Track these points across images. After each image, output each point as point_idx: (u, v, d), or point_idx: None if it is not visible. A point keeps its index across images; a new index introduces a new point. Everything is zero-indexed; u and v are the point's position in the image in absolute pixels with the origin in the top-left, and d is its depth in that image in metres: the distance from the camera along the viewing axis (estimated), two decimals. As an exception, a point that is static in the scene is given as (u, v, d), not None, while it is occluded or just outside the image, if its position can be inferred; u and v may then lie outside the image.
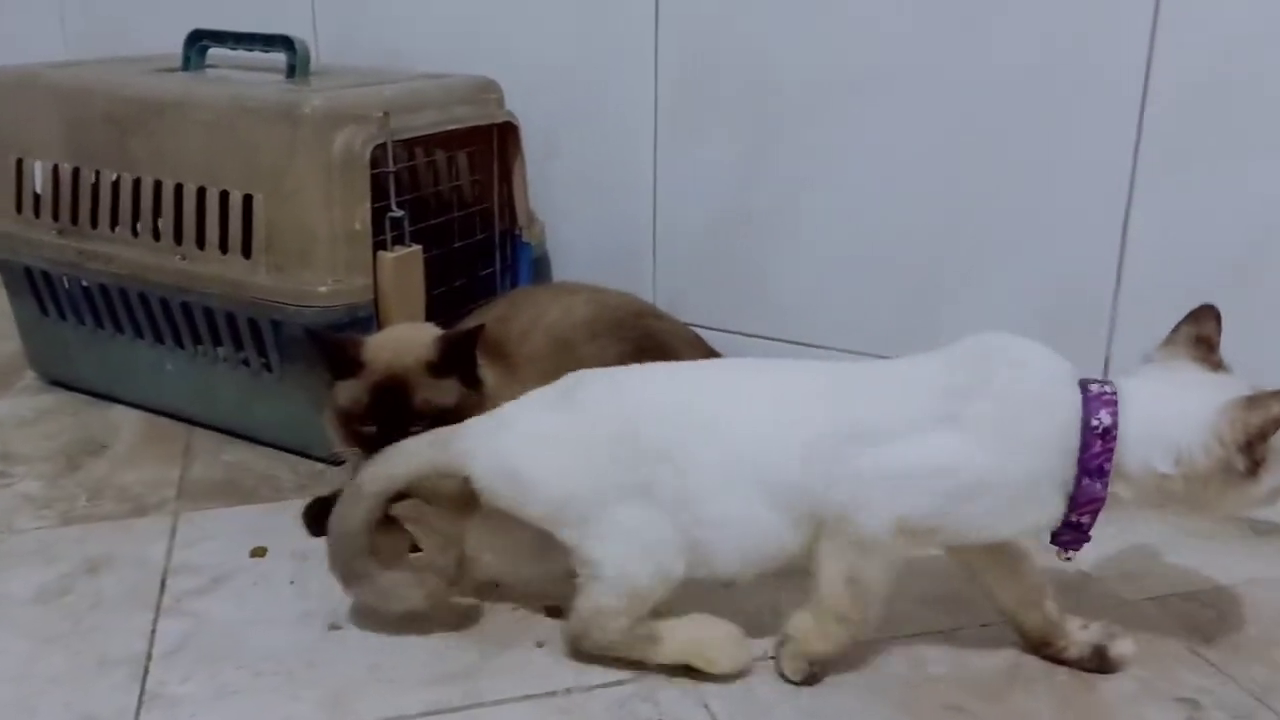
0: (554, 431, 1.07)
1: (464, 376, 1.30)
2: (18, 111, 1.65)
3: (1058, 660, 1.08)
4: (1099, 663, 1.07)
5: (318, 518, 1.35)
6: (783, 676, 1.05)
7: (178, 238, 1.50)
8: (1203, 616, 1.17)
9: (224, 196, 1.46)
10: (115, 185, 1.55)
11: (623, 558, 1.03)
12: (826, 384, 1.06)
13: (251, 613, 1.17)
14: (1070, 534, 1.01)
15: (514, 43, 1.76)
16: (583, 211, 1.78)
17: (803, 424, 1.02)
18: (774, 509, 1.02)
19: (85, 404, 1.73)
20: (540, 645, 1.12)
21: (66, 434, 1.63)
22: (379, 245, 1.45)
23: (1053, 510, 0.99)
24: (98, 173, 1.57)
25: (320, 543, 1.30)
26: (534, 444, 1.07)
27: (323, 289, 1.41)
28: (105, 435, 1.63)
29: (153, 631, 1.14)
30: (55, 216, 1.62)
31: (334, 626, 1.15)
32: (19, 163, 1.65)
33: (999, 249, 1.47)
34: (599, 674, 1.07)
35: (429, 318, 1.53)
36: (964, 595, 1.15)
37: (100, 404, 1.72)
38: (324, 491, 1.40)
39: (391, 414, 1.25)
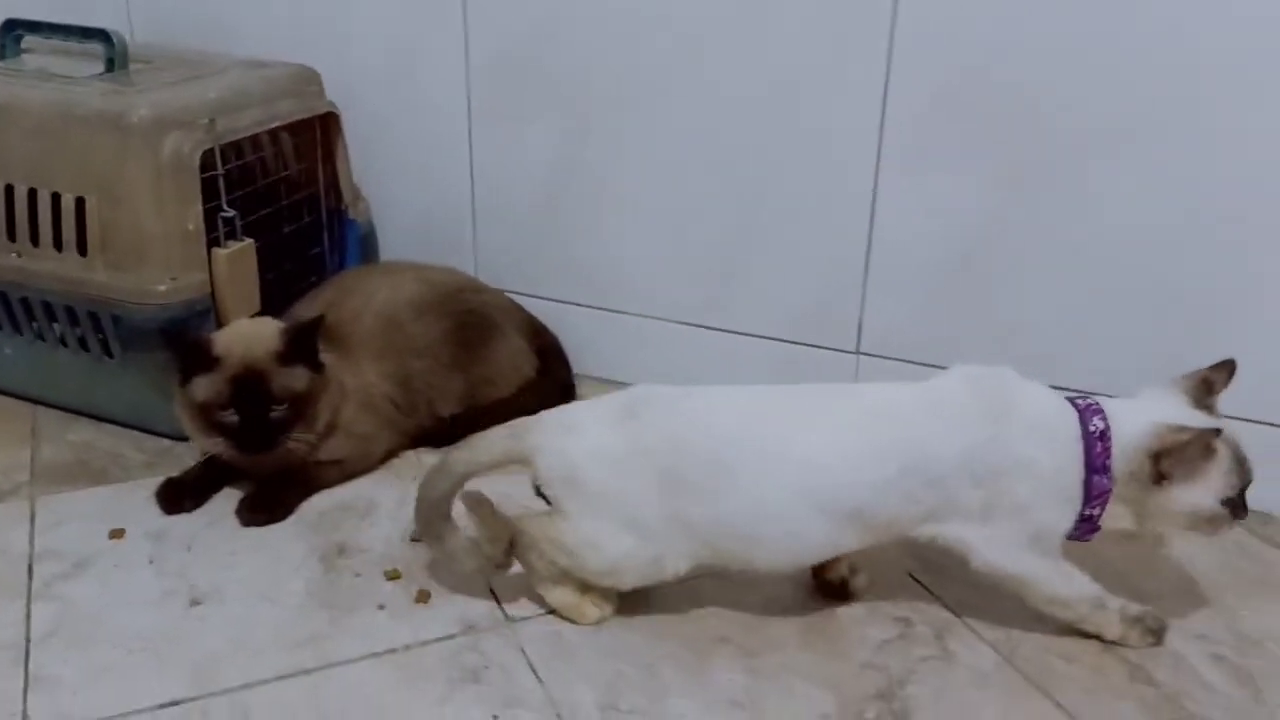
0: (613, 450, 1.20)
1: (308, 362, 1.46)
2: None
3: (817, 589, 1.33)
4: (842, 593, 1.33)
5: (170, 498, 1.49)
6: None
7: (11, 235, 1.58)
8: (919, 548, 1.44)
9: (56, 198, 1.54)
10: (-58, 181, 1.60)
11: (611, 566, 1.22)
12: (876, 410, 1.23)
13: (116, 594, 1.32)
14: (1084, 526, 1.20)
15: (335, 27, 1.85)
16: (407, 190, 1.91)
17: (866, 456, 1.18)
18: (829, 524, 1.18)
19: (-78, 386, 1.79)
20: (382, 608, 1.31)
21: (-96, 420, 1.70)
22: (212, 242, 1.56)
23: (1075, 505, 1.19)
24: (-78, 168, 1.61)
25: (174, 521, 1.46)
26: (594, 458, 1.20)
27: (161, 287, 1.52)
28: (-54, 419, 1.70)
29: (27, 617, 1.27)
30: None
31: (194, 603, 1.31)
32: None
33: (775, 232, 1.68)
34: (433, 629, 1.27)
35: (264, 302, 1.66)
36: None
37: (-62, 385, 1.78)
38: (174, 472, 1.54)
39: (252, 401, 1.41)
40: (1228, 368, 1.26)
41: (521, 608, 1.31)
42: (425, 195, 1.90)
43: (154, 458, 1.61)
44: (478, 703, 1.16)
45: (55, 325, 1.62)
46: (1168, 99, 1.41)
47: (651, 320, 1.81)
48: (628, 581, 1.25)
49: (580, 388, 1.82)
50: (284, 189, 1.73)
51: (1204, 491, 1.19)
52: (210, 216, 1.55)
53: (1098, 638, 1.27)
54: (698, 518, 1.19)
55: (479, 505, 1.26)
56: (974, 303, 1.60)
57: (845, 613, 1.32)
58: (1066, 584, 1.24)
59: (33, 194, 1.55)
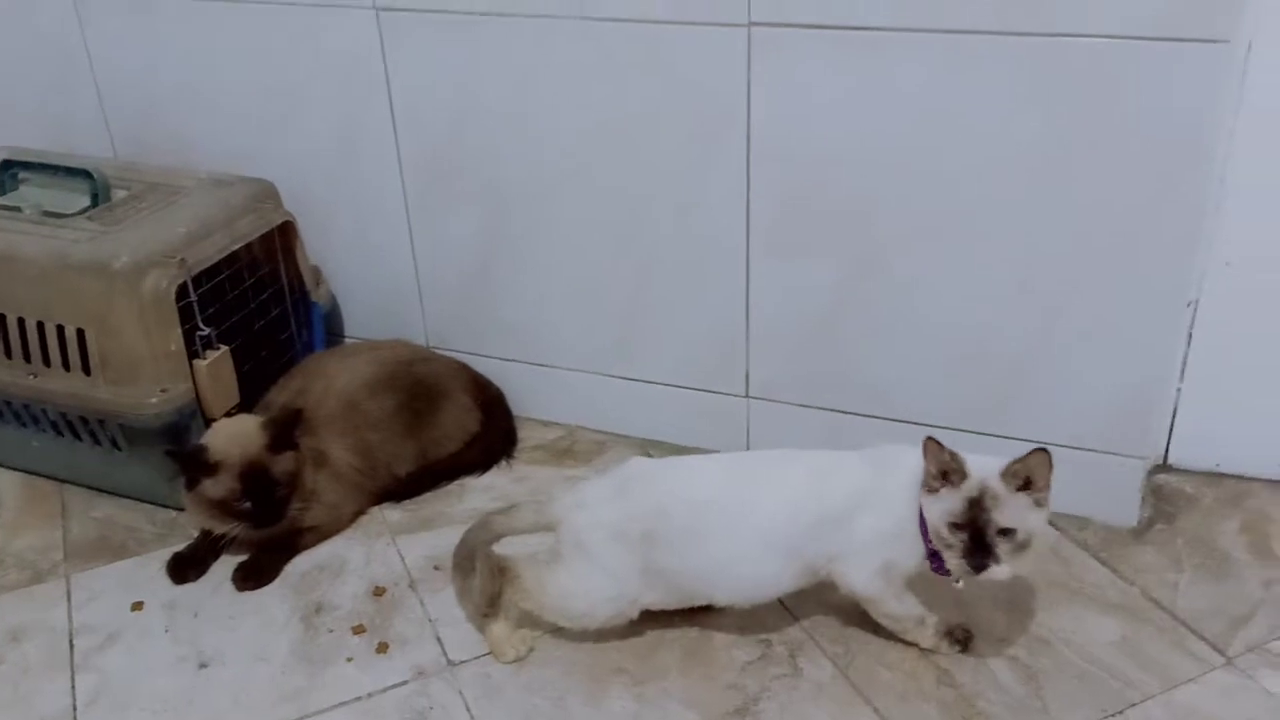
0: (610, 521, 1.52)
1: (289, 446, 1.79)
2: None
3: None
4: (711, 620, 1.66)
5: (178, 570, 1.83)
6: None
7: (26, 358, 1.89)
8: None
9: (60, 329, 1.85)
10: (-38, 314, 1.91)
11: (593, 612, 1.55)
12: (806, 473, 1.53)
13: (141, 662, 1.66)
14: (937, 561, 1.48)
15: (284, 138, 2.12)
16: (362, 272, 2.21)
17: (794, 508, 1.50)
18: (778, 563, 1.51)
19: (-35, 470, 2.12)
20: (350, 660, 1.64)
21: (-43, 506, 2.03)
22: (193, 354, 1.87)
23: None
24: (-54, 303, 1.92)
25: (182, 591, 1.80)
26: (596, 528, 1.52)
27: (153, 399, 1.83)
28: (-9, 502, 2.04)
29: (72, 688, 1.61)
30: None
31: (202, 665, 1.65)
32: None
33: (672, 300, 1.97)
34: (390, 677, 1.61)
35: (245, 387, 1.98)
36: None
37: (-20, 468, 2.12)
38: (179, 543, 1.87)
39: (261, 490, 1.75)
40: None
41: (461, 651, 1.64)
42: (377, 275, 2.20)
43: (163, 529, 1.94)
44: (424, 740, 1.51)
45: (73, 432, 1.94)
46: (970, 201, 1.68)
47: (574, 372, 2.11)
48: (598, 623, 1.57)
49: (522, 430, 2.15)
50: (251, 292, 2.03)
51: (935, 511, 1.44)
52: (189, 334, 1.86)
53: (916, 646, 1.60)
54: (672, 568, 1.52)
55: (494, 564, 1.59)
56: (832, 357, 1.89)
57: (720, 637, 1.65)
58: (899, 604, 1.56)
59: (40, 326, 1.86)
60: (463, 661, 1.63)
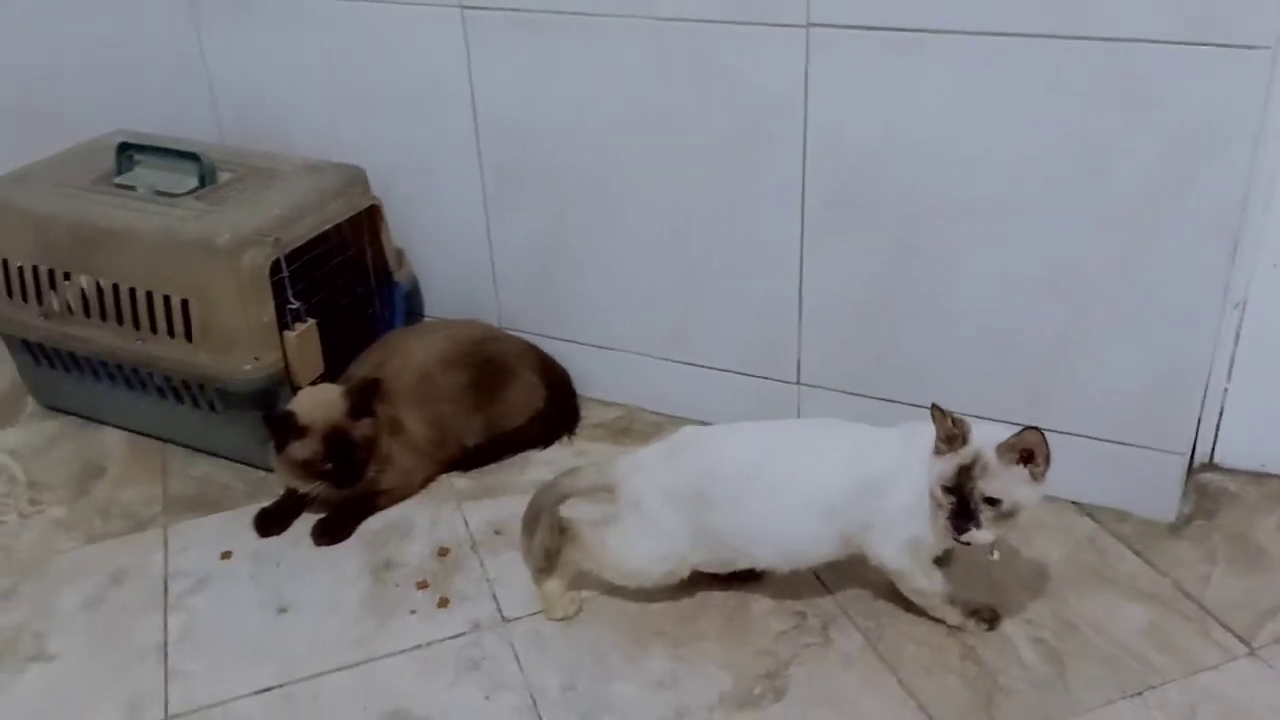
0: (665, 483, 1.63)
1: (368, 413, 1.93)
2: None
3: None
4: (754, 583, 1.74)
5: (264, 524, 1.99)
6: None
7: (135, 325, 2.07)
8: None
9: (167, 299, 2.02)
10: (82, 283, 2.10)
11: (647, 570, 1.65)
12: (850, 442, 1.62)
13: (228, 605, 1.82)
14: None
15: (378, 132, 2.27)
16: (441, 256, 2.35)
17: (835, 475, 1.58)
18: (816, 526, 1.59)
19: (81, 427, 2.30)
20: (413, 613, 1.78)
21: (73, 460, 2.21)
22: (283, 327, 2.03)
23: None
24: (67, 274, 2.11)
25: (267, 543, 1.96)
26: (653, 490, 1.63)
27: (247, 366, 1.99)
28: (102, 457, 2.22)
29: (165, 626, 1.78)
30: (40, 302, 2.17)
31: (281, 610, 1.80)
32: (4, 262, 2.18)
33: (724, 289, 2.07)
34: (449, 629, 1.74)
35: (330, 360, 2.13)
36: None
37: (93, 427, 2.30)
38: (266, 501, 2.03)
39: (343, 451, 1.91)
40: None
41: (515, 609, 1.77)
42: (456, 259, 2.33)
43: (253, 487, 2.10)
44: (476, 687, 1.63)
45: (175, 395, 2.12)
46: (1006, 195, 1.75)
47: (634, 355, 2.22)
48: (651, 581, 1.67)
49: (584, 409, 2.26)
50: (338, 271, 2.18)
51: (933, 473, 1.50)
52: (281, 308, 2.01)
53: (944, 623, 1.67)
54: (720, 527, 1.61)
55: (557, 522, 1.71)
56: (877, 345, 1.97)
57: (758, 607, 1.74)
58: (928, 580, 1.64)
59: (149, 296, 2.03)
60: (516, 618, 1.75)
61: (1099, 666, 1.60)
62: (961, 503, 1.48)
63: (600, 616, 1.74)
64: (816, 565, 1.70)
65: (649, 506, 1.63)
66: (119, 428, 2.29)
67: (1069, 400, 1.83)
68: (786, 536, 1.62)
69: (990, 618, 1.67)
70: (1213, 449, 1.97)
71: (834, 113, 1.82)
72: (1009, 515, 1.48)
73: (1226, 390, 1.90)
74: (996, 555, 1.60)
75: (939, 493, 1.49)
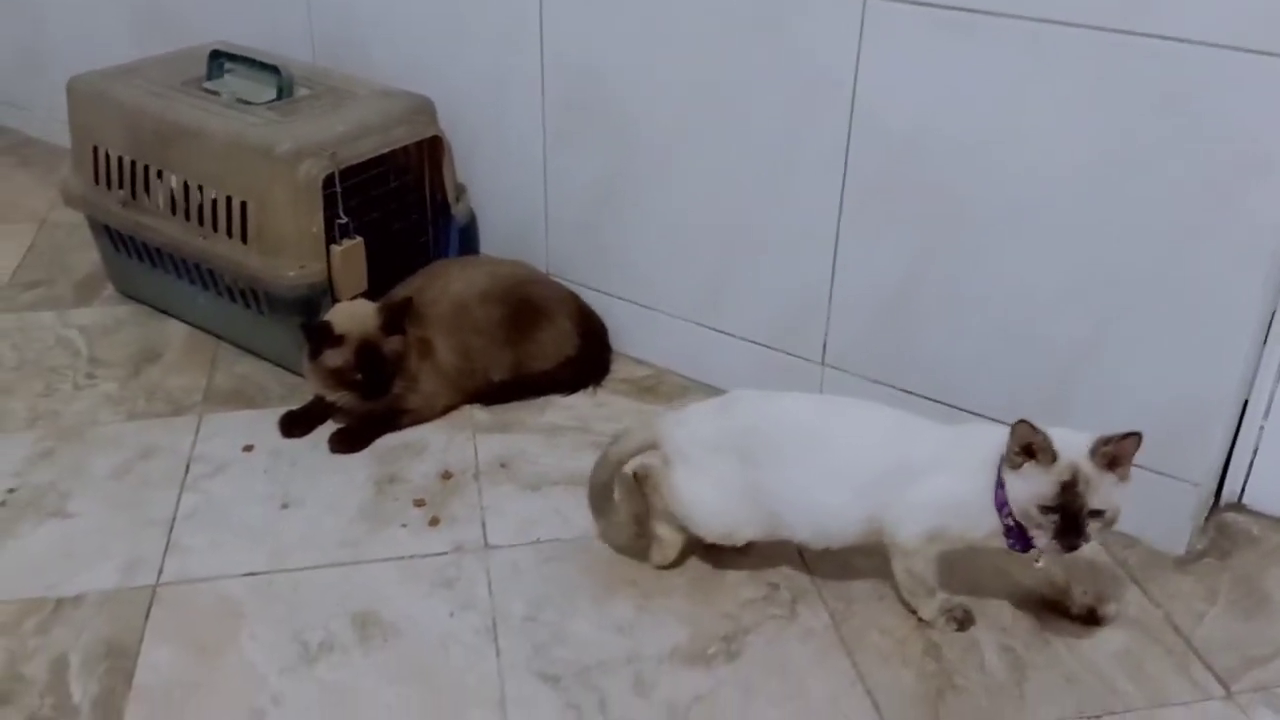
0: (707, 436, 1.64)
1: (399, 331, 2.00)
2: (93, 116, 2.31)
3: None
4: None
5: (288, 426, 2.08)
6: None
7: (200, 221, 2.18)
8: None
9: (229, 200, 2.12)
10: (160, 177, 2.22)
11: (709, 521, 1.66)
12: (894, 424, 1.62)
13: (238, 492, 1.91)
14: (1014, 537, 1.52)
15: (453, 66, 2.33)
16: (499, 195, 2.40)
17: (874, 451, 1.59)
18: (847, 498, 1.58)
19: (149, 316, 2.44)
20: (404, 526, 1.84)
21: (134, 344, 2.35)
22: (331, 240, 2.11)
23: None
24: (147, 167, 2.24)
25: (288, 443, 2.04)
26: (694, 441, 1.65)
27: (292, 273, 2.08)
28: (160, 345, 2.35)
29: (177, 503, 1.88)
30: (121, 189, 2.30)
31: (284, 505, 1.88)
32: (94, 149, 2.32)
33: (760, 260, 2.06)
34: (433, 547, 1.79)
35: (378, 281, 2.20)
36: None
37: (159, 317, 2.43)
38: (295, 406, 2.12)
39: (373, 364, 1.98)
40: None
41: (500, 538, 1.81)
42: (512, 200, 2.38)
43: (287, 390, 2.20)
44: (444, 603, 1.68)
45: (229, 293, 2.23)
46: (1041, 188, 1.70)
47: (671, 317, 2.23)
48: (712, 535, 1.68)
49: (616, 363, 2.29)
50: (395, 195, 2.25)
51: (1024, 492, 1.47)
52: (330, 221, 2.09)
53: (916, 616, 1.65)
54: (762, 483, 1.62)
55: (630, 482, 1.74)
56: (903, 334, 1.94)
57: (733, 574, 1.75)
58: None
59: (214, 196, 2.14)
60: (498, 546, 1.80)
61: (1060, 683, 1.56)
62: (1068, 519, 1.45)
63: (579, 558, 1.78)
64: (844, 545, 1.66)
65: (696, 457, 1.64)
66: (181, 320, 2.41)
67: (1086, 412, 1.77)
68: (817, 506, 1.61)
69: (962, 619, 1.64)
70: (1242, 488, 1.88)
71: (882, 94, 1.80)
72: (1110, 523, 1.47)
73: (1263, 429, 1.82)
74: (1041, 563, 1.59)
75: (1035, 512, 1.46)
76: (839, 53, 1.80)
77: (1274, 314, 1.67)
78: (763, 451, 1.61)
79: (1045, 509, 1.45)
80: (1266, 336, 1.71)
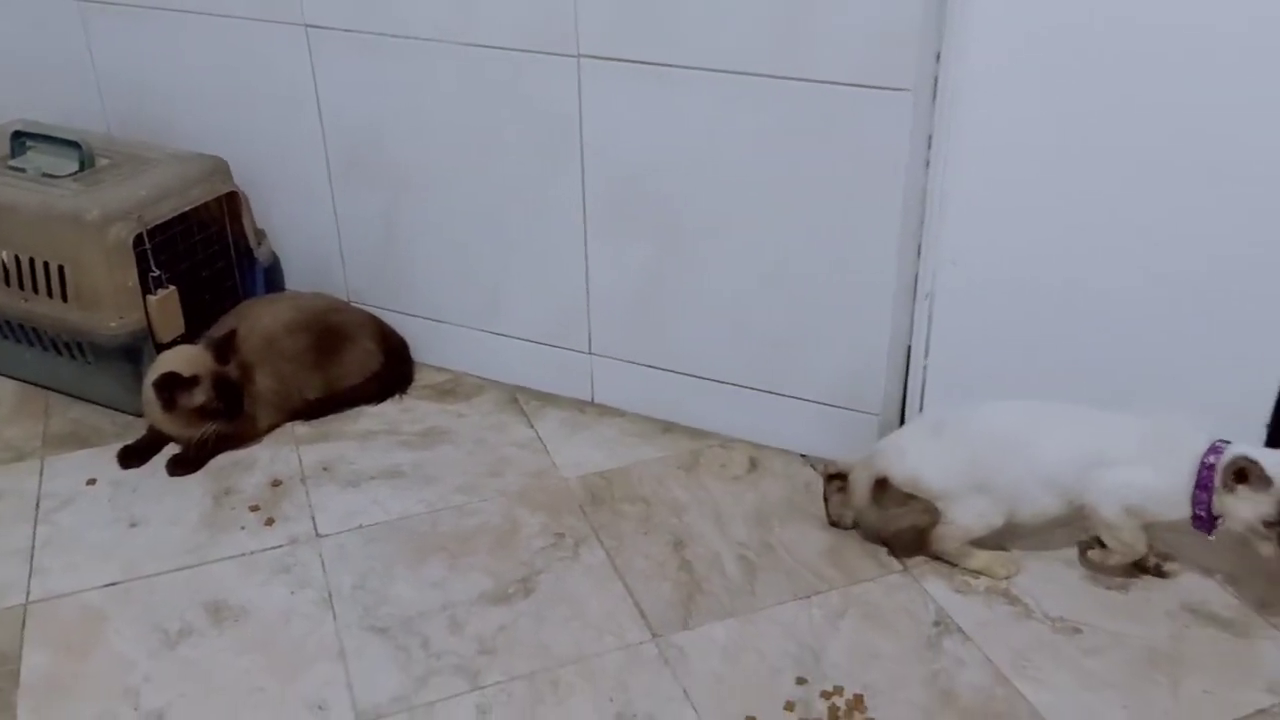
0: (933, 454, 1.93)
1: (228, 360, 2.29)
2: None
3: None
4: (1159, 573, 1.97)
5: (126, 458, 2.34)
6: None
7: (21, 286, 2.41)
8: (592, 484, 2.25)
9: (46, 264, 2.37)
10: (3, 257, 2.43)
11: (965, 520, 1.92)
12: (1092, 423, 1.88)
13: (86, 520, 2.17)
14: (1200, 521, 1.80)
15: (241, 128, 2.63)
16: (297, 236, 2.71)
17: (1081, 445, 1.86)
18: (1049, 488, 1.87)
19: (-25, 377, 2.65)
20: (243, 528, 2.15)
21: (-34, 404, 2.56)
22: (147, 290, 2.39)
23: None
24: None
25: (127, 474, 2.31)
26: (923, 463, 1.92)
27: (114, 324, 2.35)
28: (-9, 402, 2.57)
29: (33, 534, 2.13)
30: (-62, 264, 2.50)
31: (132, 525, 2.16)
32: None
33: (528, 273, 2.45)
34: (270, 542, 2.10)
35: (193, 323, 2.49)
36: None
37: (-14, 377, 2.65)
38: (130, 440, 2.38)
39: (229, 392, 2.26)
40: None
41: (328, 528, 2.15)
42: (309, 239, 2.70)
43: (121, 429, 2.45)
44: (284, 585, 2.01)
45: (55, 348, 2.47)
46: (736, 204, 2.16)
47: (459, 327, 2.60)
48: (976, 532, 1.94)
49: (419, 373, 2.64)
50: (200, 246, 2.54)
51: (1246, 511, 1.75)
52: (144, 274, 2.37)
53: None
54: (991, 483, 1.90)
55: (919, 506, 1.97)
56: (650, 321, 2.37)
57: (526, 530, 2.14)
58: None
59: (32, 262, 2.38)
60: (327, 535, 2.13)
61: (782, 577, 2.01)
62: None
63: (396, 537, 2.13)
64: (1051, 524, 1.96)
65: (926, 480, 1.93)
66: (10, 377, 2.62)
67: (792, 370, 2.25)
68: (1037, 502, 1.91)
69: (1154, 568, 1.96)
70: (920, 409, 2.39)
71: (604, 133, 2.22)
72: None
73: (925, 366, 2.33)
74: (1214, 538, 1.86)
75: (1260, 527, 1.74)
76: (565, 101, 2.21)
77: (916, 276, 2.16)
78: (989, 456, 1.90)
79: (1269, 524, 1.74)
80: (914, 294, 2.21)
